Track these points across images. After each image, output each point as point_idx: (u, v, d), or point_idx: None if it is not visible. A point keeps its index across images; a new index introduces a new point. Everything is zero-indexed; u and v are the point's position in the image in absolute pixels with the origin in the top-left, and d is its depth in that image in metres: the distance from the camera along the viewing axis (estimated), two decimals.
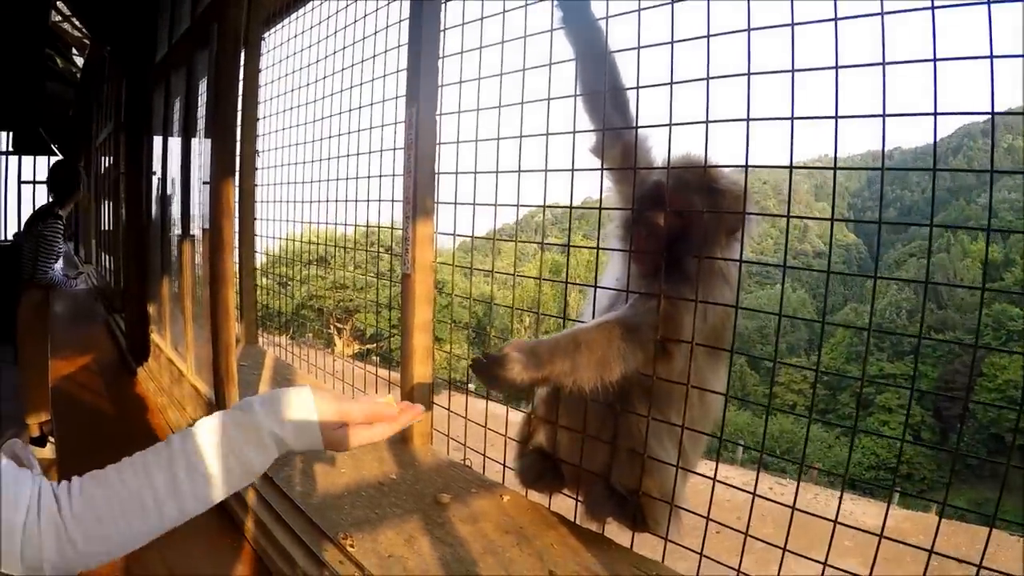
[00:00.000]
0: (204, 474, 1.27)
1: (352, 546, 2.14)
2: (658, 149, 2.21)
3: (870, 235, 62.22)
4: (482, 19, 2.55)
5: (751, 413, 32.34)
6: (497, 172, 2.45)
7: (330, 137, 3.91)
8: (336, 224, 3.92)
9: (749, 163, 1.90)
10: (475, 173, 2.56)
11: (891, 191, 69.68)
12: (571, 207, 2.32)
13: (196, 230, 3.57)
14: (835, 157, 1.94)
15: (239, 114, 4.43)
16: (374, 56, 3.36)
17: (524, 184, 2.41)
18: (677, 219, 2.06)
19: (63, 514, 1.13)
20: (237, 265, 4.71)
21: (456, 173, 2.64)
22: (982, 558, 1.60)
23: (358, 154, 3.54)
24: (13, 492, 1.10)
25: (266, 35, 4.86)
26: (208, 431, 1.30)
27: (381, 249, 3.94)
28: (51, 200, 6.47)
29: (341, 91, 3.78)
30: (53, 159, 10.72)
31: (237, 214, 4.55)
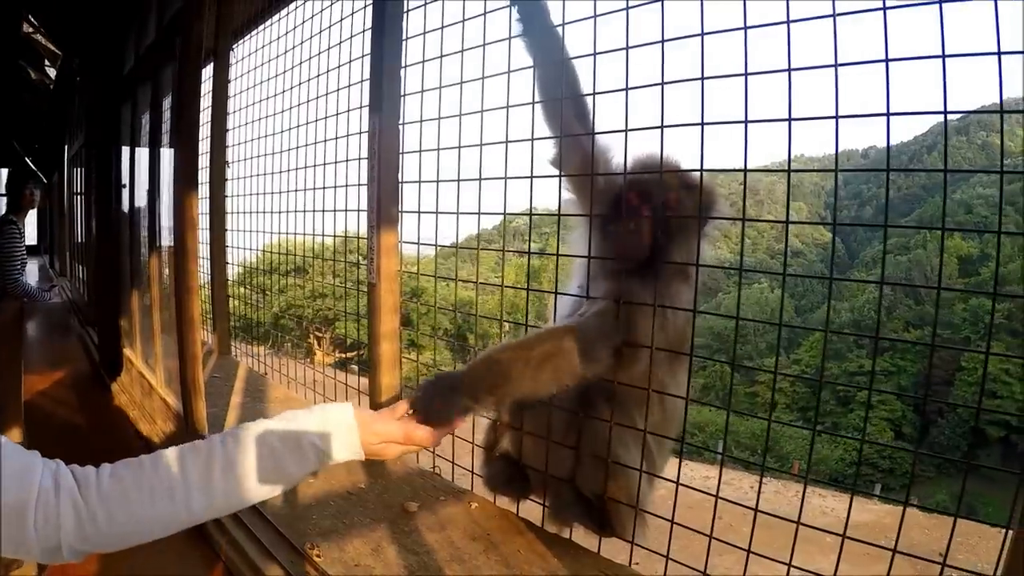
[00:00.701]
0: (239, 474, 1.30)
1: (319, 556, 2.14)
2: (619, 160, 2.20)
3: (846, 234, 63.08)
4: (442, 28, 2.56)
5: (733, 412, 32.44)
6: (459, 180, 2.46)
7: (298, 147, 3.92)
8: (306, 234, 3.92)
9: (705, 167, 1.93)
10: (437, 182, 2.57)
11: (868, 189, 70.73)
12: (531, 214, 2.34)
13: (164, 242, 3.56)
14: (788, 160, 1.96)
15: (208, 126, 4.45)
16: (339, 66, 3.37)
17: (496, 191, 2.42)
18: (660, 213, 2.07)
19: (85, 493, 1.15)
20: (209, 276, 4.71)
21: (419, 182, 2.65)
22: (945, 555, 1.62)
23: (324, 164, 3.55)
24: (18, 471, 1.10)
25: (236, 46, 4.86)
26: (250, 435, 1.34)
27: (360, 257, 3.95)
28: (7, 207, 6.49)
29: (307, 101, 3.79)
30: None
31: (209, 225, 4.56)
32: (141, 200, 4.06)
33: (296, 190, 3.95)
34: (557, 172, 2.28)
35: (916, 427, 40.77)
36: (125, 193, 4.39)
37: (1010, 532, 1.40)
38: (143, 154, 3.94)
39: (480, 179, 2.39)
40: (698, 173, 2.09)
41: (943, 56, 1.49)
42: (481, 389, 1.91)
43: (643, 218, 2.06)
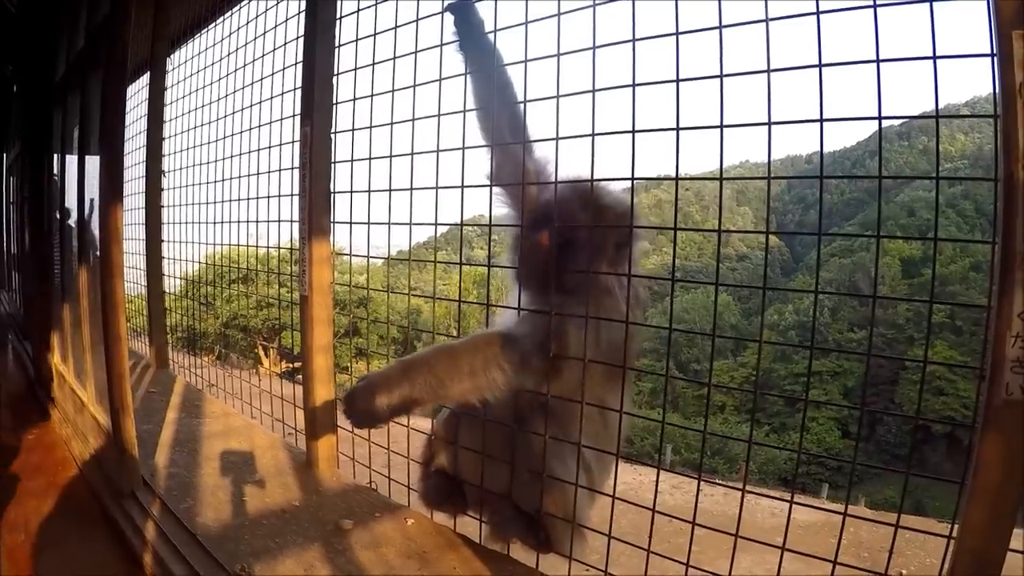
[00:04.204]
0: None
1: None
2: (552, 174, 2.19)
3: (791, 237, 64.75)
4: (375, 35, 2.52)
5: (680, 416, 32.75)
6: (390, 190, 2.42)
7: (234, 156, 3.84)
8: (247, 245, 3.83)
9: (635, 175, 1.92)
10: (369, 192, 2.52)
11: (812, 193, 72.16)
12: (461, 224, 2.31)
13: (95, 253, 3.45)
14: (720, 169, 1.97)
15: (144, 135, 4.34)
16: (272, 74, 3.30)
17: (447, 199, 2.38)
18: (562, 235, 2.05)
19: None
20: (145, 289, 4.59)
21: (351, 192, 2.59)
22: (889, 558, 1.63)
23: (257, 174, 3.48)
24: None
25: (173, 54, 4.76)
26: None
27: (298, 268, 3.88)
28: None
29: (242, 110, 3.72)
30: None
31: (145, 236, 4.45)
32: (73, 210, 3.94)
33: (232, 200, 3.87)
34: (491, 184, 2.26)
35: (864, 425, 41.63)
36: (58, 203, 4.26)
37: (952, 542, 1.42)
38: (73, 163, 3.82)
39: (411, 189, 2.35)
40: (612, 192, 2.10)
41: (877, 61, 1.49)
42: (414, 374, 1.94)
43: (543, 236, 2.06)
